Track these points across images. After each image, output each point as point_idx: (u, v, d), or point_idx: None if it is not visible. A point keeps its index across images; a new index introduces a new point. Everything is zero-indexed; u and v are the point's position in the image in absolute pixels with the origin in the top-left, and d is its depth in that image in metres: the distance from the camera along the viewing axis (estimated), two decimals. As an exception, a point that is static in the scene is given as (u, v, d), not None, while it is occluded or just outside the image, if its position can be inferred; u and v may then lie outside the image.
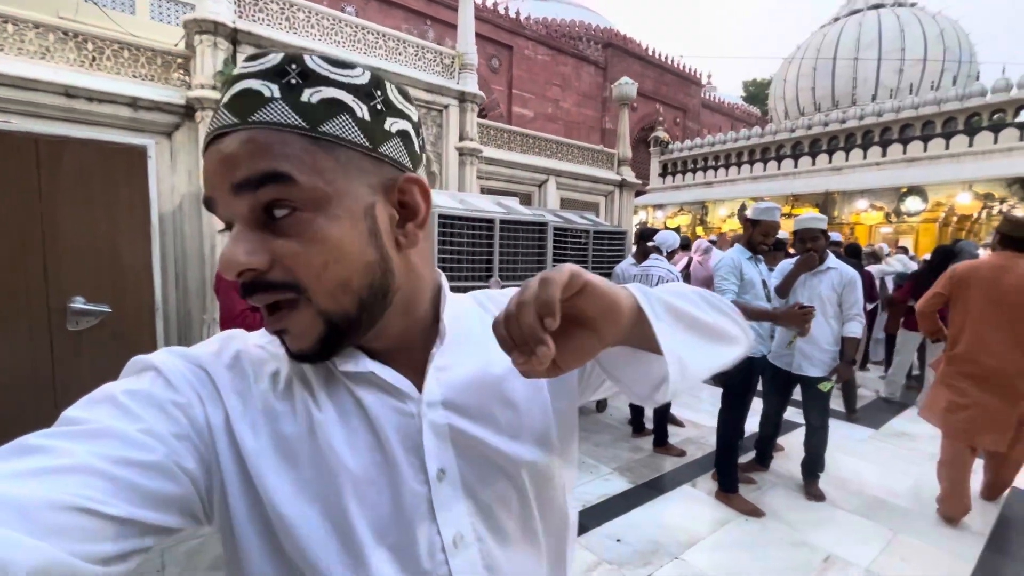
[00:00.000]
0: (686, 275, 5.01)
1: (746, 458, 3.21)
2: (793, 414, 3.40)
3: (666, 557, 2.32)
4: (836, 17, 16.15)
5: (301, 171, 0.39)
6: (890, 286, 5.64)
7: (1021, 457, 2.74)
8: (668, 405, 3.72)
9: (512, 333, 0.36)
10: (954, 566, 2.31)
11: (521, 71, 15.48)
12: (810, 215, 2.95)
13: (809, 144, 11.66)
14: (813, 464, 2.96)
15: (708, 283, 4.48)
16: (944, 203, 9.28)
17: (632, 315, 0.41)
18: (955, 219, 9.85)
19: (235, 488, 0.42)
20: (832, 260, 2.94)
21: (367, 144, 0.42)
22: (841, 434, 3.78)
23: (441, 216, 3.09)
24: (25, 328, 2.50)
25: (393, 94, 0.45)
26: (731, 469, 2.85)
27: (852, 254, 4.89)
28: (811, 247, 2.87)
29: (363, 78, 0.43)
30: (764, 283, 2.81)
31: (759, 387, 3.11)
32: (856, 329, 2.85)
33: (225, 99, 0.41)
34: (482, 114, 4.99)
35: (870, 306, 5.08)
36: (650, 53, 18.69)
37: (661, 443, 3.53)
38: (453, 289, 0.56)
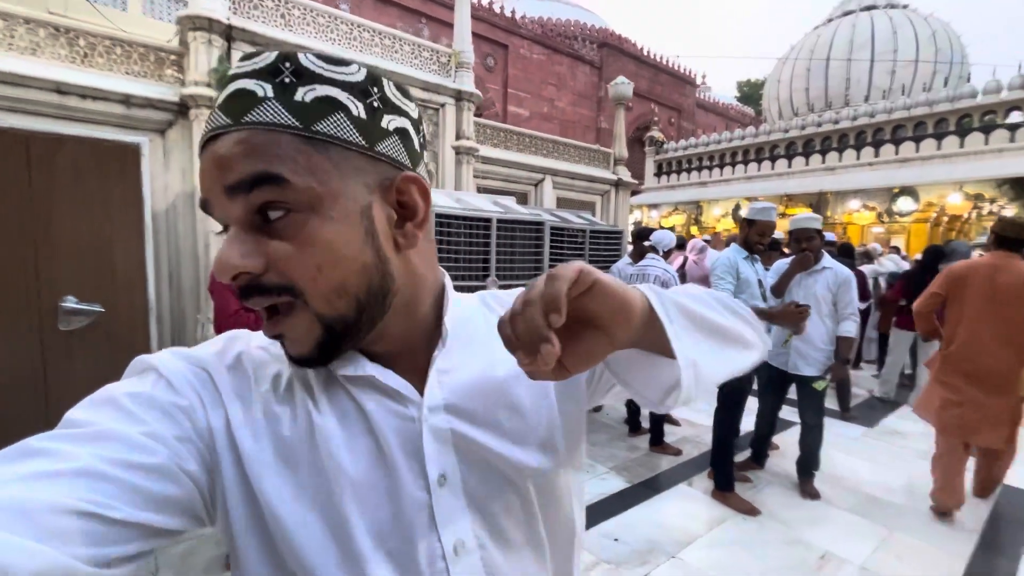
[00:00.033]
0: (681, 274, 5.02)
1: (742, 457, 3.23)
2: (788, 413, 3.42)
3: (663, 556, 2.33)
4: (830, 18, 16.25)
5: (294, 172, 0.38)
6: (883, 285, 5.69)
7: (1012, 454, 2.78)
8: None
9: (517, 332, 0.34)
10: (948, 563, 2.33)
11: (517, 70, 15.46)
12: (806, 215, 2.97)
13: (803, 144, 11.73)
14: (808, 462, 2.98)
15: (703, 282, 4.49)
16: (935, 203, 9.36)
17: (643, 316, 0.39)
18: (946, 219, 9.95)
19: (234, 491, 0.42)
20: (827, 260, 2.96)
21: (363, 143, 0.41)
22: (835, 432, 3.81)
23: (438, 215, 3.08)
24: (15, 328, 2.47)
25: (391, 91, 0.44)
26: (727, 468, 2.86)
27: (845, 254, 4.92)
28: (806, 247, 2.89)
29: (359, 75, 0.42)
30: (760, 283, 2.82)
31: (755, 386, 3.13)
32: (851, 328, 2.87)
33: (220, 100, 0.40)
34: (478, 113, 4.98)
35: (863, 305, 5.12)
36: (645, 53, 18.73)
37: (657, 442, 3.54)
38: None
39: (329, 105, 0.40)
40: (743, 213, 2.89)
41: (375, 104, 0.42)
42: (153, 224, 3.02)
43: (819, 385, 2.88)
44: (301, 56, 0.40)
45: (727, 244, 4.48)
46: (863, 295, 4.94)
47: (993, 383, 2.59)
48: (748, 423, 3.22)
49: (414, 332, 0.48)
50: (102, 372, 2.65)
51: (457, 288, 0.55)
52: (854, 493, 2.97)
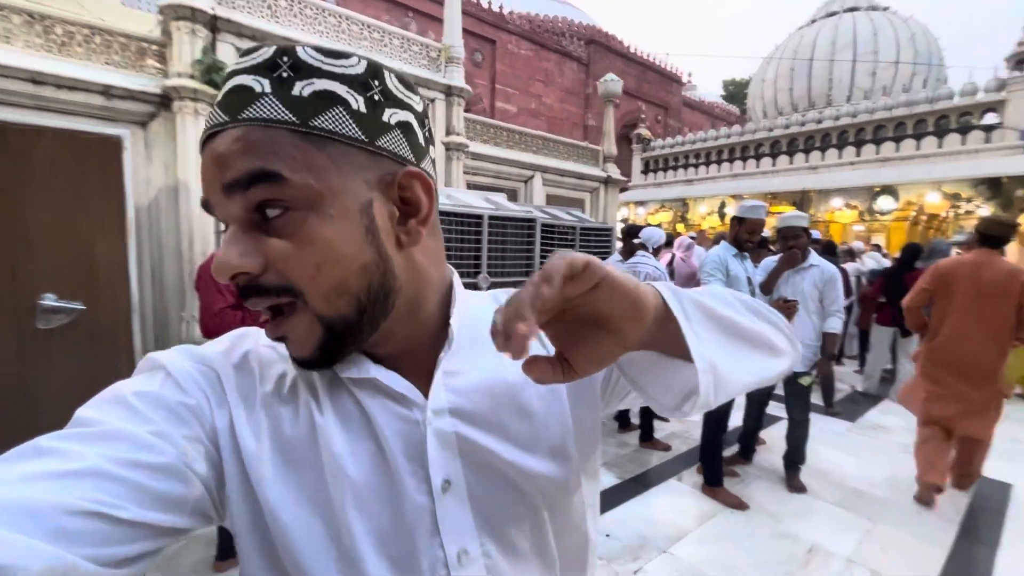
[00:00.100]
0: (670, 272, 5.06)
1: (730, 452, 3.28)
2: (773, 408, 3.48)
3: (655, 551, 2.35)
4: (813, 19, 16.49)
5: (292, 169, 0.37)
6: (864, 283, 5.82)
7: (987, 446, 2.88)
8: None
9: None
10: (929, 553, 2.40)
11: (504, 66, 15.40)
12: (793, 213, 3.02)
13: (787, 143, 11.89)
14: (795, 457, 3.04)
15: (691, 280, 4.54)
16: (915, 202, 9.57)
17: (657, 315, 0.38)
18: (925, 218, 10.19)
19: (236, 492, 0.42)
20: (814, 257, 3.02)
21: (363, 137, 0.40)
22: (820, 427, 3.88)
23: (429, 212, 3.04)
24: (-9, 326, 2.39)
25: (393, 83, 0.43)
26: (716, 463, 2.89)
27: (828, 252, 5.01)
28: (793, 245, 2.93)
29: (358, 68, 0.41)
30: (749, 280, 2.85)
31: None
32: (836, 325, 2.93)
33: (219, 97, 0.40)
34: (466, 109, 4.94)
35: (846, 302, 5.23)
36: (632, 51, 18.80)
37: (647, 438, 3.57)
38: None
39: (328, 99, 0.39)
40: (733, 211, 2.93)
41: (376, 97, 0.41)
42: (136, 219, 2.94)
43: (805, 381, 2.93)
44: (300, 50, 0.39)
45: (715, 242, 4.52)
46: (846, 292, 5.04)
47: (976, 376, 2.69)
48: (736, 418, 3.27)
49: (419, 333, 0.47)
50: (85, 371, 2.57)
51: None
52: (839, 487, 3.03)
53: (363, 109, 0.40)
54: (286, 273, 0.39)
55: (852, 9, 15.64)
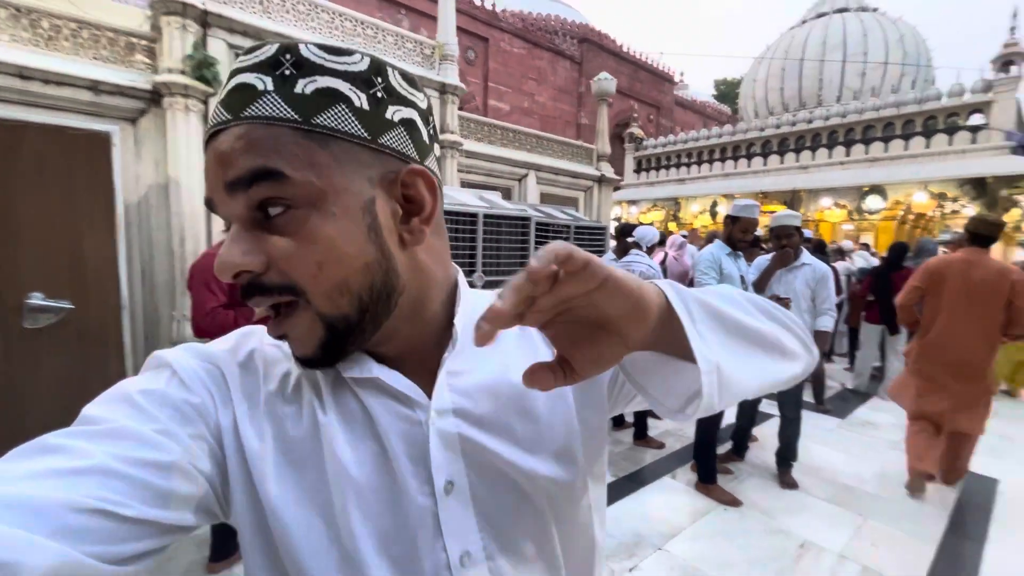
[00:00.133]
0: (662, 271, 5.09)
1: (723, 449, 3.30)
2: (765, 406, 3.51)
3: (650, 548, 2.36)
4: (804, 19, 16.62)
5: (294, 167, 0.37)
6: (853, 281, 5.89)
7: (974, 442, 2.93)
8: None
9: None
10: (919, 548, 2.43)
11: (497, 64, 15.35)
12: (786, 213, 3.04)
13: (778, 143, 11.99)
14: (787, 454, 3.07)
15: (683, 278, 4.56)
16: (902, 202, 9.70)
17: (660, 314, 0.37)
18: (912, 217, 10.33)
19: (239, 491, 0.42)
20: (806, 256, 3.05)
21: (365, 135, 0.40)
22: (811, 424, 3.91)
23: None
24: (-23, 326, 2.34)
25: (396, 80, 0.42)
26: (710, 460, 2.92)
27: (817, 251, 5.07)
28: (786, 244, 2.96)
29: (361, 65, 0.40)
30: (743, 278, 2.87)
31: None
32: (828, 323, 2.96)
33: (222, 95, 0.40)
34: (459, 107, 4.93)
35: (837, 299, 5.29)
36: (624, 50, 18.83)
37: (641, 436, 3.59)
38: None
39: (330, 97, 0.38)
40: (727, 210, 2.95)
41: (379, 95, 0.41)
42: (125, 217, 2.89)
43: (797, 378, 2.96)
44: (302, 47, 0.39)
45: (708, 240, 4.55)
46: (836, 290, 5.10)
47: (966, 371, 2.75)
48: (729, 415, 3.29)
49: (423, 332, 0.47)
50: (73, 371, 2.53)
51: None
52: (830, 483, 3.07)
53: (366, 106, 0.40)
54: (288, 272, 0.39)
55: (842, 10, 15.78)
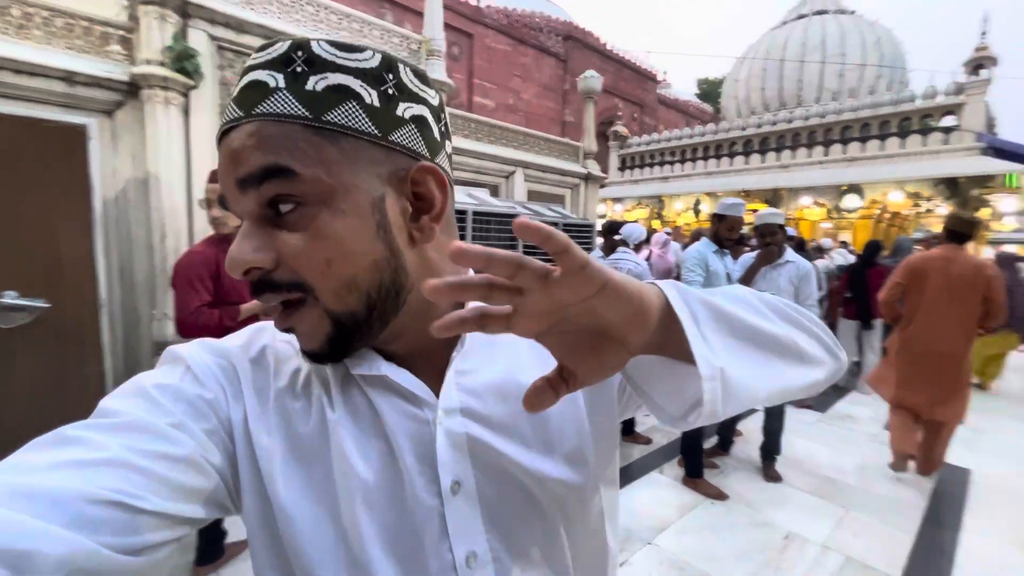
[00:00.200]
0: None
1: (709, 444, 3.35)
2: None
3: (639, 543, 2.39)
4: (784, 21, 16.90)
5: (304, 164, 0.37)
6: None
7: (950, 434, 3.04)
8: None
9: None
10: (898, 537, 2.51)
11: (482, 60, 15.28)
12: (769, 211, 3.09)
13: (759, 142, 12.18)
14: (771, 447, 3.13)
15: (667, 276, 4.61)
16: (879, 201, 9.94)
17: (662, 316, 0.35)
18: (888, 216, 10.61)
19: (248, 486, 0.42)
20: (790, 254, 3.10)
21: (376, 132, 0.40)
22: (792, 418, 3.99)
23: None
24: (-54, 325, 2.25)
25: (408, 77, 0.42)
26: (697, 455, 2.96)
27: (798, 248, 5.17)
28: (770, 241, 3.01)
29: (372, 61, 0.40)
30: (728, 276, 2.91)
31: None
32: (811, 320, 3.02)
33: (235, 92, 0.40)
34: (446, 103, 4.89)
35: (819, 294, 5.41)
36: (608, 48, 18.90)
37: (628, 432, 3.62)
38: None
39: (341, 94, 0.39)
40: (714, 209, 2.98)
41: (390, 91, 0.41)
42: (103, 212, 2.80)
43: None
44: (314, 44, 0.39)
45: (693, 238, 4.61)
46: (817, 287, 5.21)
47: (945, 363, 2.88)
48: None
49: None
50: (50, 371, 2.45)
51: None
52: (813, 475, 3.14)
53: (376, 103, 0.40)
54: (297, 269, 0.39)
55: (821, 12, 16.09)
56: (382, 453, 0.43)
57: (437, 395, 0.44)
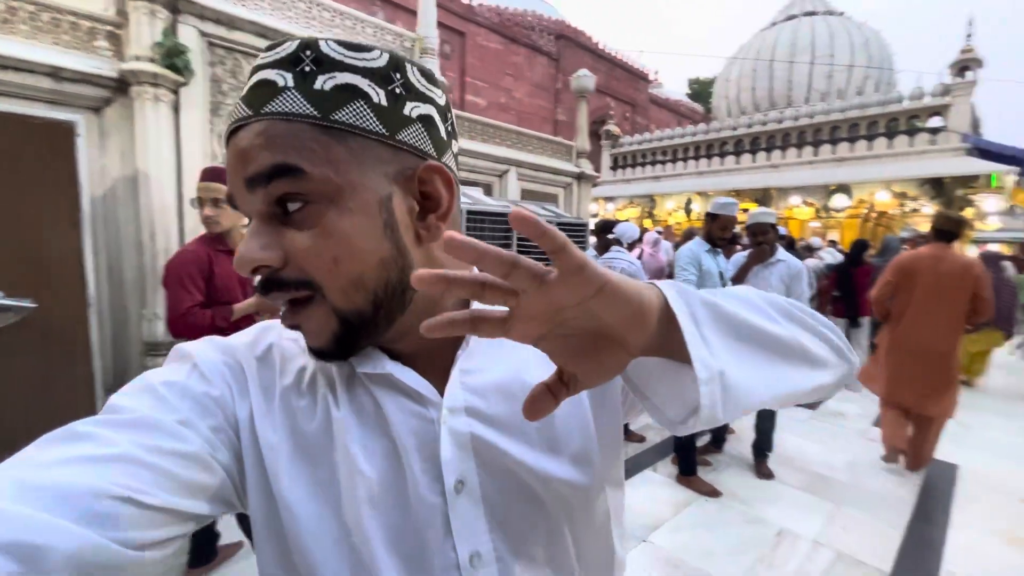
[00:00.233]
0: (640, 267, 5.15)
1: (702, 441, 3.38)
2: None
3: (634, 540, 2.40)
4: (774, 22, 17.04)
5: (312, 163, 0.38)
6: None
7: (939, 431, 3.09)
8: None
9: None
10: (888, 533, 2.54)
11: (474, 58, 15.24)
12: (762, 210, 3.12)
13: (749, 142, 12.29)
14: (763, 445, 3.16)
15: (659, 275, 4.64)
16: (866, 200, 10.07)
17: (661, 317, 0.34)
18: (875, 215, 10.75)
19: (254, 483, 0.42)
20: (781, 253, 3.13)
21: (383, 131, 0.40)
22: (783, 415, 4.03)
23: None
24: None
25: (415, 77, 0.42)
26: (690, 453, 2.98)
27: (787, 248, 5.22)
28: (762, 240, 3.04)
29: (380, 61, 0.40)
30: (721, 274, 2.94)
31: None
32: (802, 318, 3.06)
33: (244, 92, 0.40)
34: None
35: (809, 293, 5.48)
36: (600, 47, 18.94)
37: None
38: None
39: (349, 93, 0.39)
40: (707, 208, 3.01)
41: (397, 91, 0.41)
42: (91, 211, 2.76)
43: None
44: (322, 43, 0.39)
45: (685, 237, 4.63)
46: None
47: (934, 358, 2.95)
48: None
49: None
50: (37, 372, 2.41)
51: None
52: (804, 472, 3.18)
53: (384, 103, 0.40)
54: (304, 267, 0.39)
55: (810, 13, 16.26)
56: (386, 452, 0.43)
57: (442, 394, 0.45)
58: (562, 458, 0.46)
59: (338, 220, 0.39)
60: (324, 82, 0.38)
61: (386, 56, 0.41)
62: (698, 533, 2.49)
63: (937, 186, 8.95)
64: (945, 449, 3.37)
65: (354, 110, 0.39)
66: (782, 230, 5.38)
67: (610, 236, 3.70)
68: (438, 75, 4.60)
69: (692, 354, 0.33)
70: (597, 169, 13.92)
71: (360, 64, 0.39)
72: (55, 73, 2.81)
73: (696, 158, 13.18)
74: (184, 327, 1.84)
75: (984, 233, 10.96)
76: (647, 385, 0.40)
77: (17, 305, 2.37)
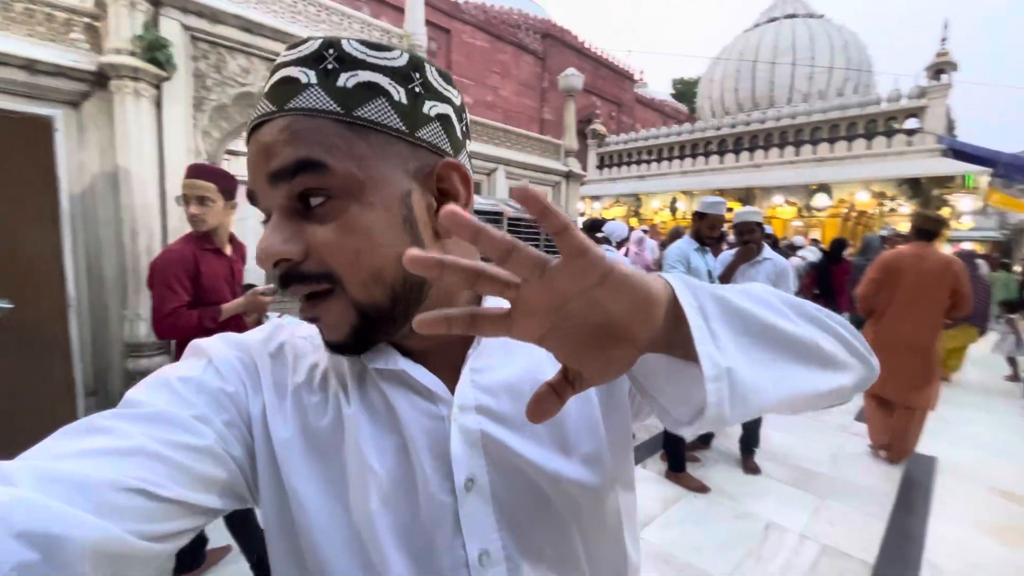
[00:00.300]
0: (629, 265, 5.20)
1: (690, 438, 3.41)
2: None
3: (625, 537, 2.42)
4: (756, 23, 17.28)
5: (335, 158, 0.38)
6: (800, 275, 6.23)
7: (920, 424, 3.18)
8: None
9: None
10: (870, 525, 2.60)
11: (460, 56, 15.17)
12: (748, 209, 3.17)
13: (733, 142, 12.45)
14: (750, 441, 3.21)
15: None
16: (847, 200, 10.28)
17: (668, 309, 0.32)
18: (855, 215, 10.98)
19: (266, 479, 0.43)
20: (768, 251, 3.18)
21: (404, 128, 0.41)
22: (769, 412, 4.11)
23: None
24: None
25: (433, 77, 0.44)
26: (679, 450, 3.01)
27: (771, 247, 5.30)
28: (748, 239, 3.08)
29: (401, 60, 0.42)
30: (710, 273, 2.97)
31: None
32: (788, 316, 3.12)
33: (266, 88, 0.41)
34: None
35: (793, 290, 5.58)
36: (586, 47, 19.00)
37: (612, 427, 3.66)
38: None
39: (371, 91, 0.40)
40: (695, 207, 3.04)
41: (417, 90, 0.42)
42: (70, 209, 2.68)
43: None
44: (344, 42, 0.40)
45: (672, 236, 4.68)
46: (791, 284, 5.38)
47: (916, 352, 3.05)
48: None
49: None
50: (16, 374, 2.34)
51: None
52: (789, 467, 3.24)
53: (404, 101, 0.41)
54: (326, 260, 0.40)
55: (792, 16, 16.52)
56: (397, 449, 0.43)
57: (453, 392, 0.45)
58: (572, 458, 0.46)
59: (360, 215, 0.39)
60: (347, 80, 0.39)
61: (406, 56, 0.42)
62: (687, 528, 2.52)
63: (914, 186, 9.17)
64: (924, 442, 3.46)
65: (376, 107, 0.39)
66: (768, 229, 5.46)
67: (599, 235, 3.73)
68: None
69: (698, 349, 0.31)
70: (584, 168, 13.99)
71: (381, 63, 0.40)
72: (29, 66, 2.72)
73: (681, 157, 13.31)
74: (169, 328, 1.80)
75: (959, 232, 11.28)
76: (654, 385, 0.38)
77: (-8, 306, 2.30)
